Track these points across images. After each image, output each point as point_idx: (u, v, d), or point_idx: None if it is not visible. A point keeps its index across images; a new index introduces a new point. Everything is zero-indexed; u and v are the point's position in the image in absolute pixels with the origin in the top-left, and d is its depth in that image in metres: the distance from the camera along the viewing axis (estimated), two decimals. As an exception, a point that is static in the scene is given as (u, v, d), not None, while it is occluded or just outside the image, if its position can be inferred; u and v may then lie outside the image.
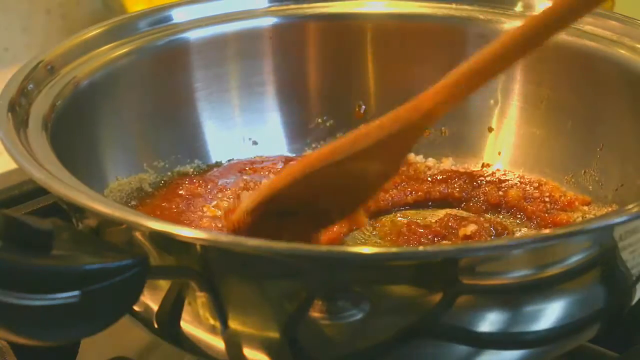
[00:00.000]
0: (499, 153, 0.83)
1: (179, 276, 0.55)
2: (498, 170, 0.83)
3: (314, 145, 0.87)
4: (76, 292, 0.47)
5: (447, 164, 0.84)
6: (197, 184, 0.79)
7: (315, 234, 0.65)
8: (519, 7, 0.82)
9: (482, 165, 0.83)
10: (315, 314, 0.53)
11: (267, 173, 0.81)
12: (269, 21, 0.85)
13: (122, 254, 0.51)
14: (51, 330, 0.49)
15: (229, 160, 0.84)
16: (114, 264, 0.49)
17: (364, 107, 0.87)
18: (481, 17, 0.83)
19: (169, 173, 0.80)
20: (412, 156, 0.85)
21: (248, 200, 0.62)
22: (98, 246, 0.52)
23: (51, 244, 0.48)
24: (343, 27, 0.86)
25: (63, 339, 0.52)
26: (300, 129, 0.87)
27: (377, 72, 0.87)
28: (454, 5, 0.84)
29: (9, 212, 0.48)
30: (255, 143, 0.85)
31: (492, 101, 0.84)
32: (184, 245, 0.53)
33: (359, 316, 0.53)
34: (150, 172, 0.79)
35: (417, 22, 0.85)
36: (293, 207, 0.61)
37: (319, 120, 0.87)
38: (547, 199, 0.77)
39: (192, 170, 0.82)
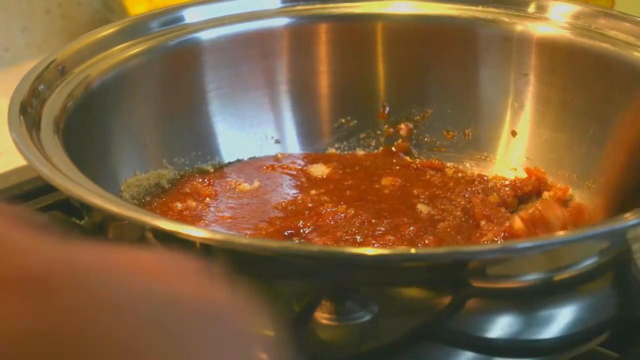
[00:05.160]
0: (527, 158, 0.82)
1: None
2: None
3: (336, 145, 0.86)
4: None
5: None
6: (209, 182, 0.78)
7: None
8: (531, 8, 0.81)
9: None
10: (322, 315, 0.53)
11: (285, 170, 0.81)
12: (282, 21, 0.84)
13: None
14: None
15: (250, 158, 0.83)
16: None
17: (387, 108, 0.86)
18: (506, 19, 0.82)
19: (187, 169, 0.80)
20: (407, 158, 0.85)
21: None
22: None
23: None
24: (361, 27, 0.85)
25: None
26: (322, 129, 0.86)
27: (396, 73, 0.86)
28: (456, 6, 0.84)
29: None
30: (277, 142, 0.85)
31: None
32: (191, 245, 0.53)
33: (367, 318, 0.53)
34: (170, 169, 0.79)
35: (434, 23, 0.84)
36: None
37: (342, 120, 0.87)
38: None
39: (211, 167, 0.81)
